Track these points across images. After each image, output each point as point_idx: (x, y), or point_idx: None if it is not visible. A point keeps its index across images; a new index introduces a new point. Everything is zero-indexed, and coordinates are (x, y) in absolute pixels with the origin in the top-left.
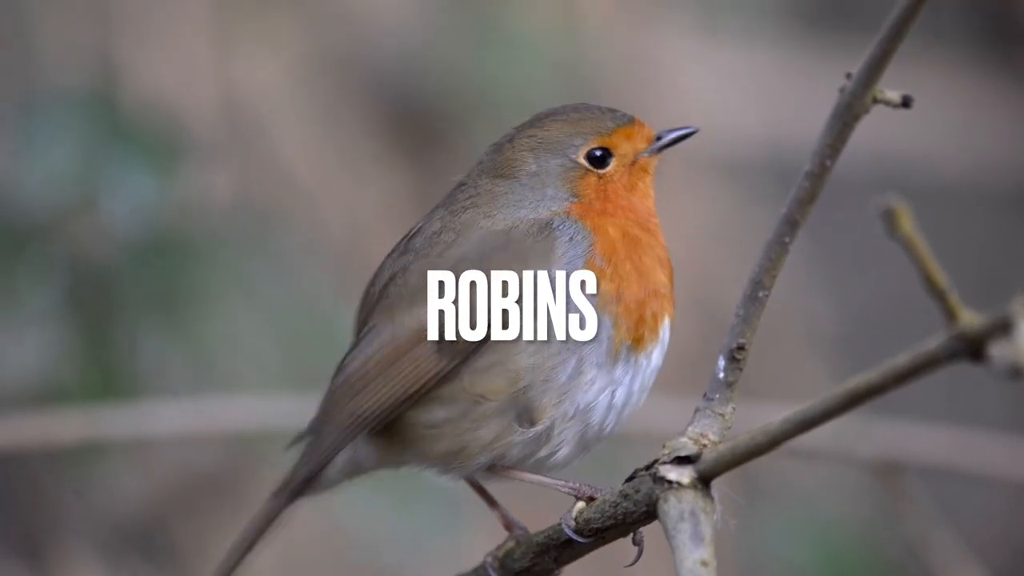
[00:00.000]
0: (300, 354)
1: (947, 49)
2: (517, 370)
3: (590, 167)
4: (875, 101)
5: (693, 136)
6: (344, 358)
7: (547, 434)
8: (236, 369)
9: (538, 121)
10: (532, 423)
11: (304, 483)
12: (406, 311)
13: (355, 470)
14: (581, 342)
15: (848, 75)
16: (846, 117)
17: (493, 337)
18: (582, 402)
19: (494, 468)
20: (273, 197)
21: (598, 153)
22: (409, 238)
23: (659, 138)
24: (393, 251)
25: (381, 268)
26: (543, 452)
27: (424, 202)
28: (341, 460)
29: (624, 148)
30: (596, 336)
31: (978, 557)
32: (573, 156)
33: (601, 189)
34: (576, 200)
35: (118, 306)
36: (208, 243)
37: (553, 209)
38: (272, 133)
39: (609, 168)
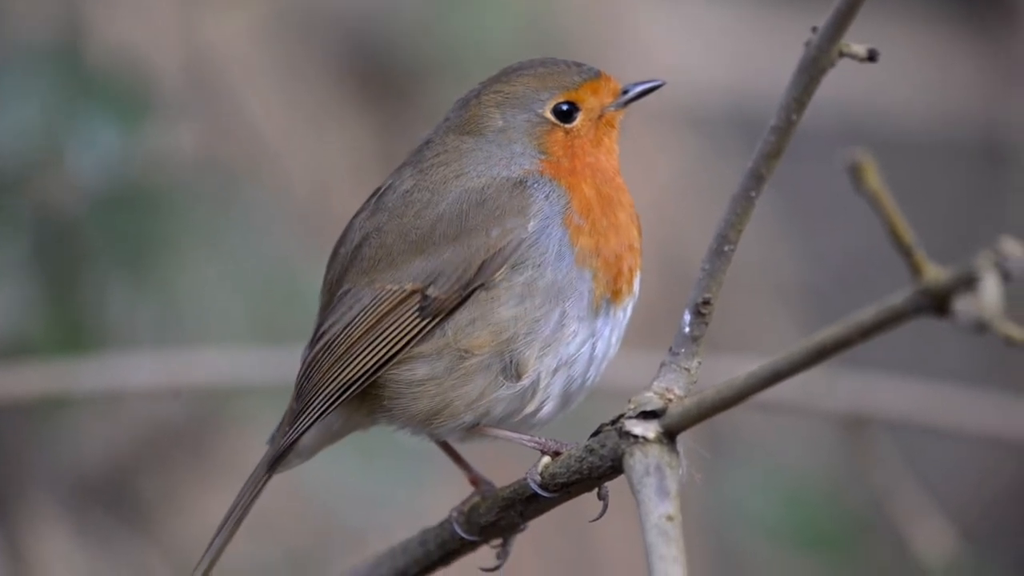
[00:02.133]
0: (265, 308)
1: (912, 2)
2: (500, 322)
3: (557, 122)
4: (841, 55)
5: (661, 89)
6: (320, 323)
7: (533, 388)
8: (202, 323)
9: (504, 76)
10: (518, 377)
11: (288, 450)
12: (386, 272)
13: (327, 437)
14: (564, 295)
15: (814, 29)
16: (812, 71)
17: (476, 293)
18: (565, 355)
19: (472, 427)
20: (239, 152)
21: (564, 107)
22: (379, 196)
23: (626, 92)
24: (362, 210)
25: (350, 227)
26: (529, 408)
27: (389, 158)
28: (318, 429)
29: (590, 102)
30: (577, 289)
31: (943, 510)
32: (539, 111)
33: (568, 144)
34: (544, 156)
35: (84, 260)
36: (174, 197)
37: (525, 167)
38: (238, 88)
39: (576, 123)
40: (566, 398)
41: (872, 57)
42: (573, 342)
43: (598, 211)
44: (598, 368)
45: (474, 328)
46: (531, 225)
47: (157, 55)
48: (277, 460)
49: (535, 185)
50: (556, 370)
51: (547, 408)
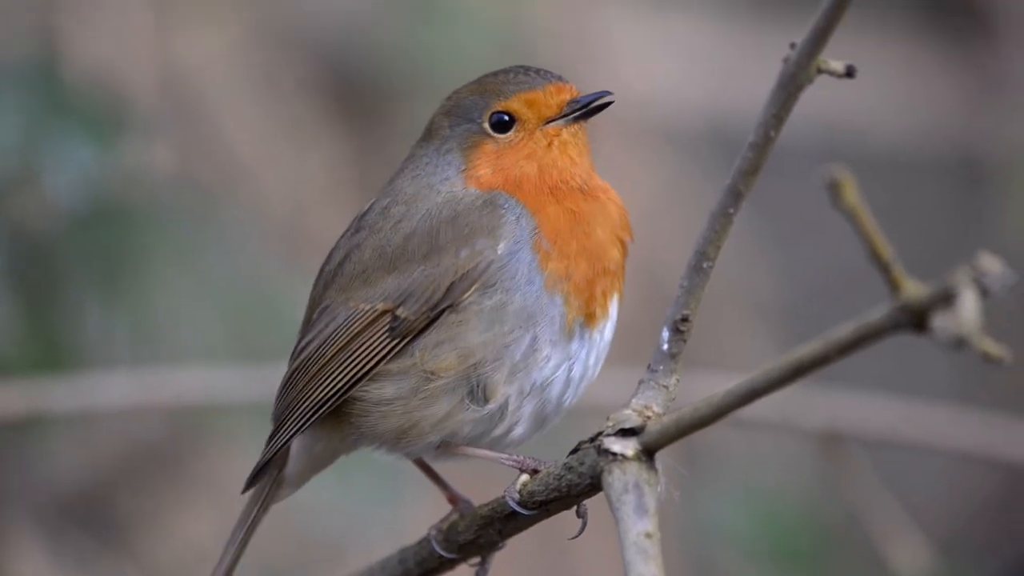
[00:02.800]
0: (243, 326)
1: (890, 19)
2: (468, 347)
3: (491, 132)
4: (819, 71)
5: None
6: (299, 340)
7: (501, 412)
8: (178, 341)
9: (467, 85)
10: (486, 400)
11: (263, 470)
12: (360, 291)
13: (313, 466)
14: (535, 320)
15: (792, 45)
16: (790, 87)
17: (444, 315)
18: (539, 379)
19: (442, 445)
20: (215, 170)
21: (505, 118)
22: (363, 215)
23: (575, 103)
24: (348, 229)
25: (336, 247)
26: (498, 431)
27: (366, 175)
28: (300, 454)
29: (525, 114)
30: (548, 314)
31: (919, 526)
32: (479, 120)
33: (495, 156)
34: (465, 168)
35: (60, 278)
36: (150, 216)
37: (448, 178)
38: (214, 106)
39: (509, 134)
40: (540, 420)
41: (850, 73)
42: (547, 366)
43: (566, 234)
44: (576, 390)
45: (441, 351)
46: (501, 247)
47: (133, 73)
48: (253, 480)
49: (506, 205)
50: (528, 394)
51: (519, 431)
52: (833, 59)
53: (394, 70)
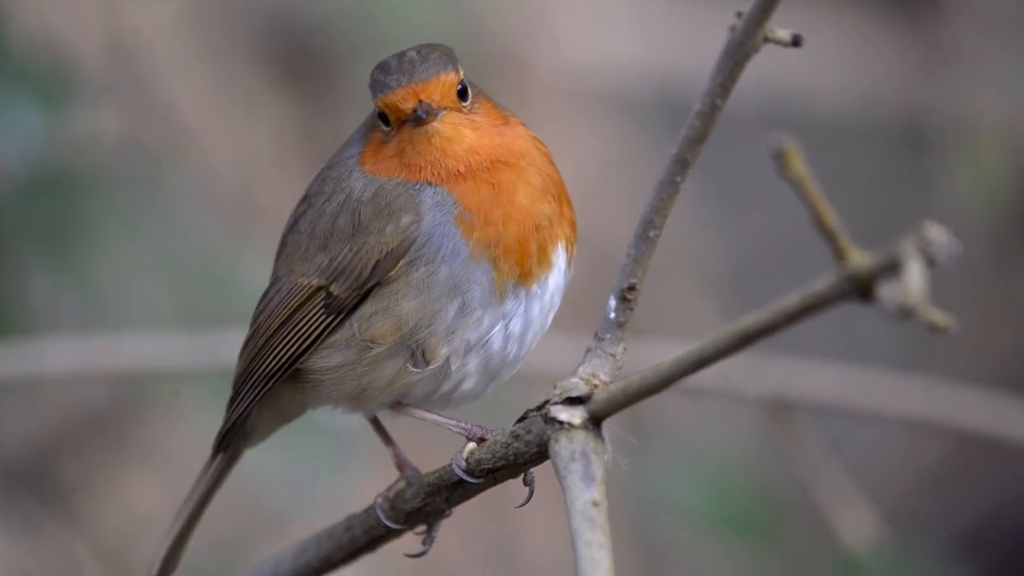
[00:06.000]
0: (189, 293)
1: None
2: (401, 315)
3: (380, 123)
4: (766, 40)
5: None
6: (256, 306)
7: (444, 370)
8: (125, 308)
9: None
10: (427, 362)
11: (226, 436)
12: (300, 264)
13: (280, 417)
14: (462, 288)
15: (739, 14)
16: (737, 56)
17: (376, 289)
18: (474, 337)
19: (398, 405)
20: (163, 137)
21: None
22: (312, 183)
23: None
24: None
25: (292, 213)
26: (446, 387)
27: (312, 142)
28: (264, 409)
29: (388, 113)
30: (476, 281)
31: (867, 494)
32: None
33: (377, 143)
34: (359, 149)
35: (7, 244)
36: (97, 182)
37: (352, 154)
38: (161, 72)
39: (387, 128)
40: (490, 372)
41: (796, 42)
42: (482, 326)
43: (489, 202)
44: (520, 342)
45: (376, 320)
46: (424, 223)
47: (81, 39)
48: (219, 447)
49: (418, 187)
50: (467, 351)
51: (468, 384)
52: (780, 28)
53: (341, 38)
